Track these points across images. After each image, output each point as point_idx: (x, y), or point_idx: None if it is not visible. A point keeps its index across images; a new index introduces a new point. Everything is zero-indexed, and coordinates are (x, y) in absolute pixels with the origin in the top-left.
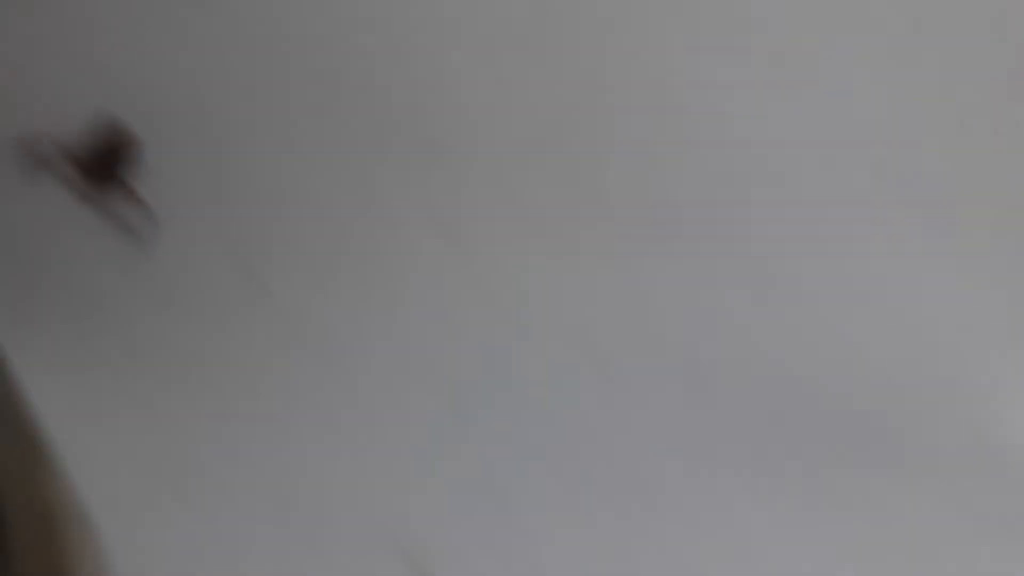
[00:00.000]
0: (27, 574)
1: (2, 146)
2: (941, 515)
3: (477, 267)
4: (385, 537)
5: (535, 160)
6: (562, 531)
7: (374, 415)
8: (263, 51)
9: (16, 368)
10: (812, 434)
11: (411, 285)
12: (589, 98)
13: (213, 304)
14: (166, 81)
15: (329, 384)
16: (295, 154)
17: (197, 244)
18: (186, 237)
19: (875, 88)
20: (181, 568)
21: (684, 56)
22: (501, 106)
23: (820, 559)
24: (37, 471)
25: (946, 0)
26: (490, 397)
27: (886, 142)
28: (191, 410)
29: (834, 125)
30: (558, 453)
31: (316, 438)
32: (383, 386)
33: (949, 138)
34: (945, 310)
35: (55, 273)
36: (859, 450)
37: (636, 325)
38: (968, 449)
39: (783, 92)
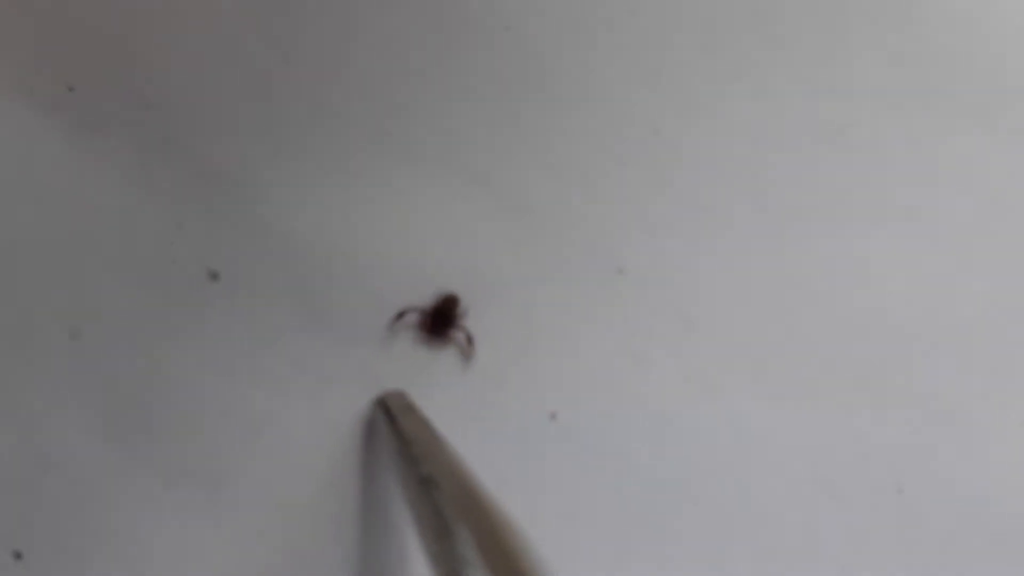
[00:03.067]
0: None
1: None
2: None
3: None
4: None
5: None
6: None
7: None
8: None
9: None
10: None
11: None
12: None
13: (514, 434)
14: (481, 263)
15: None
16: (588, 321)
17: (504, 384)
18: (495, 379)
19: None
20: None
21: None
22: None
23: None
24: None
25: None
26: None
27: None
28: None
29: None
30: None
31: None
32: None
33: None
34: None
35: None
36: None
37: (868, 463)
38: None
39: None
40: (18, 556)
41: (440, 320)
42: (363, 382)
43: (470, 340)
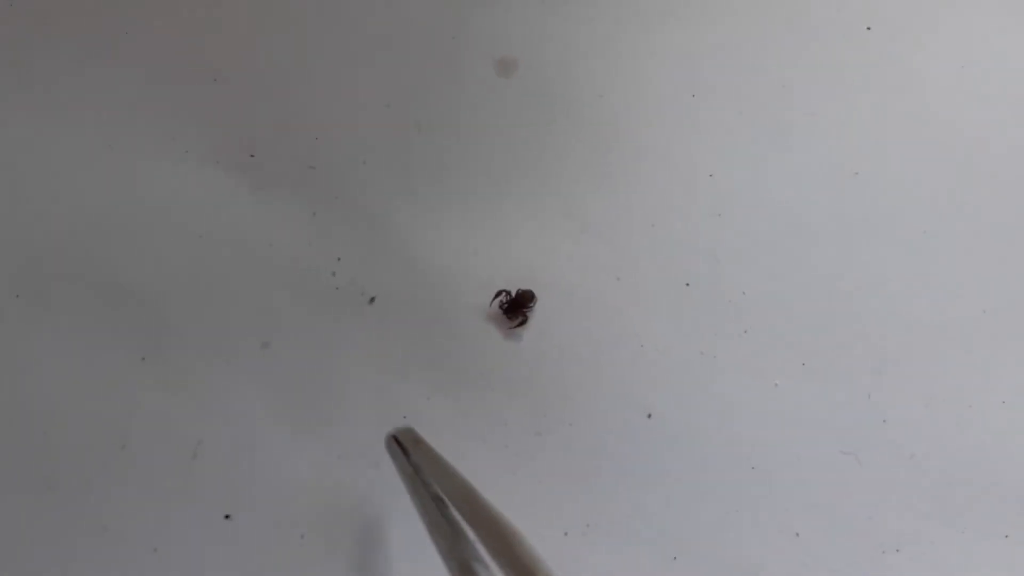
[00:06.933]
0: None
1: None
2: None
3: (773, 397)
4: None
5: None
6: None
7: None
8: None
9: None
10: None
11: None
12: None
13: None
14: (550, 269)
15: None
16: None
17: (550, 346)
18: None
19: None
20: None
21: None
22: None
23: None
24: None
25: None
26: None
27: None
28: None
29: None
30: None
31: None
32: None
33: None
34: None
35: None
36: None
37: (886, 435)
38: None
39: None
40: (228, 517)
41: (515, 304)
42: (487, 378)
43: (524, 322)
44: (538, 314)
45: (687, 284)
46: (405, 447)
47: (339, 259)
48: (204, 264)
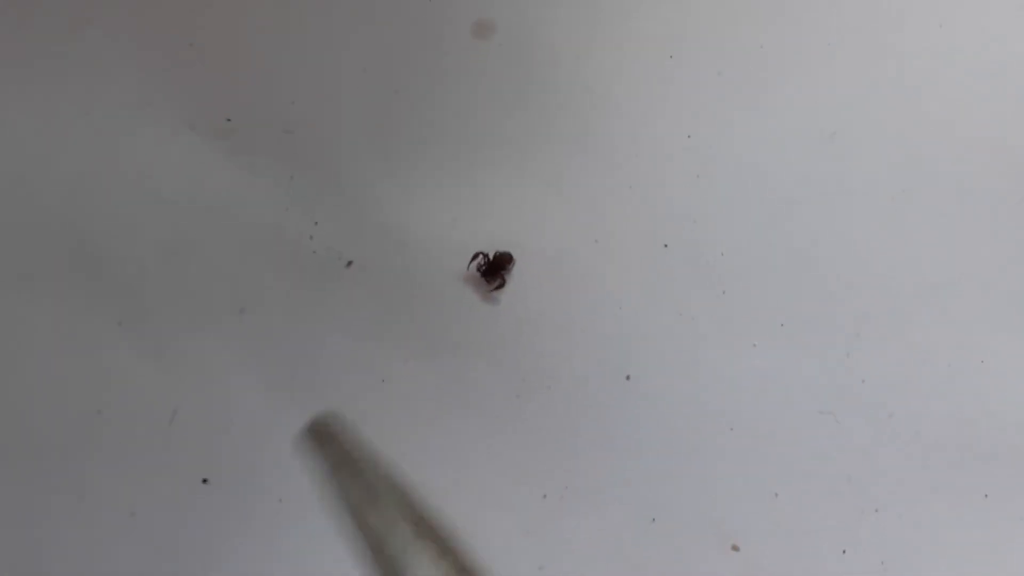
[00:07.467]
0: None
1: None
2: None
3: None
4: None
5: None
6: None
7: None
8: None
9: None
10: None
11: None
12: None
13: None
14: (529, 233)
15: None
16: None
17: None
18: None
19: None
20: None
21: None
22: None
23: None
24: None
25: None
26: None
27: None
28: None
29: None
30: None
31: None
32: None
33: None
34: None
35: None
36: None
37: (863, 395)
38: None
39: None
40: (205, 481)
41: (493, 266)
42: (465, 341)
43: (502, 285)
44: (516, 277)
45: (665, 246)
46: (324, 440)
47: (316, 223)
48: (181, 230)
